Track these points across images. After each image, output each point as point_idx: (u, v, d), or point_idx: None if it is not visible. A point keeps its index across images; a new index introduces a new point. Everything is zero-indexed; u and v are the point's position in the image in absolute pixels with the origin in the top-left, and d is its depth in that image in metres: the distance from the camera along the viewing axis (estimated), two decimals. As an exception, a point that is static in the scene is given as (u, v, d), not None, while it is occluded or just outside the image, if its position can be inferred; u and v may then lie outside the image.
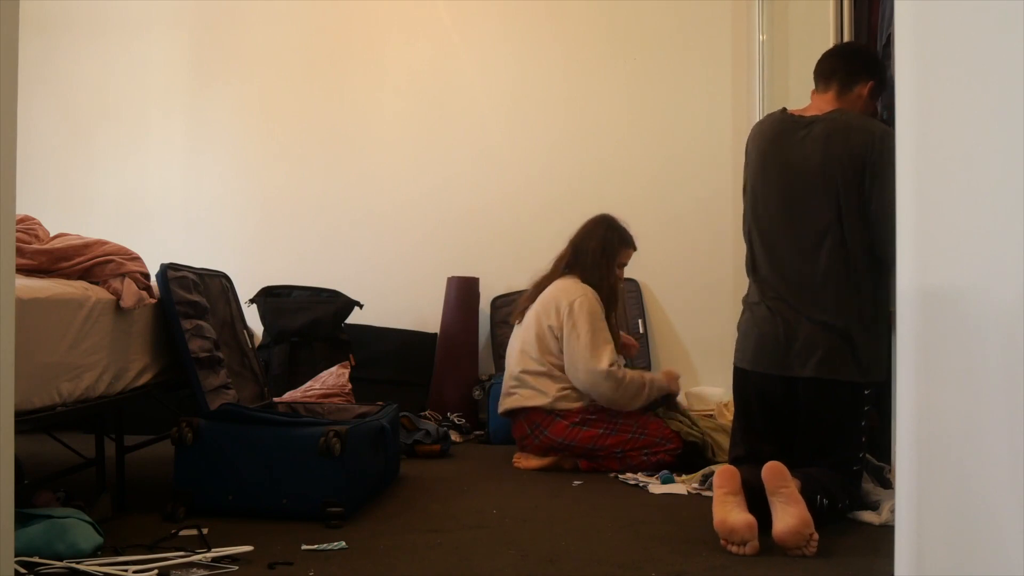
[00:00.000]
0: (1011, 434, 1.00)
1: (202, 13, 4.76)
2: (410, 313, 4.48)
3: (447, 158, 4.59)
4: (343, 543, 2.20)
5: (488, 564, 2.08)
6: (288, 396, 3.51)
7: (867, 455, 2.58)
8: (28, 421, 2.05)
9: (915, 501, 1.36)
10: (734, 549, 2.16)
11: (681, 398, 3.57)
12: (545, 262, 3.50)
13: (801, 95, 2.83)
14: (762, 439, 2.56)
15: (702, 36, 4.44)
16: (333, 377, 3.61)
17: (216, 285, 3.06)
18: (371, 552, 2.16)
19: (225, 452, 2.47)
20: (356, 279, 4.39)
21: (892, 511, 2.12)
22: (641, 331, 4.32)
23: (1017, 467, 0.98)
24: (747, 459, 2.49)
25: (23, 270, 2.32)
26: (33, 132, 4.66)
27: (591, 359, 3.20)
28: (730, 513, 2.18)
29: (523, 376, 3.33)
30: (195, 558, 2.05)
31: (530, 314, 3.39)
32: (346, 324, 4.16)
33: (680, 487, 2.92)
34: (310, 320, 4.04)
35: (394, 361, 4.29)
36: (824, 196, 2.46)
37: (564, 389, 3.26)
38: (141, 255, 2.61)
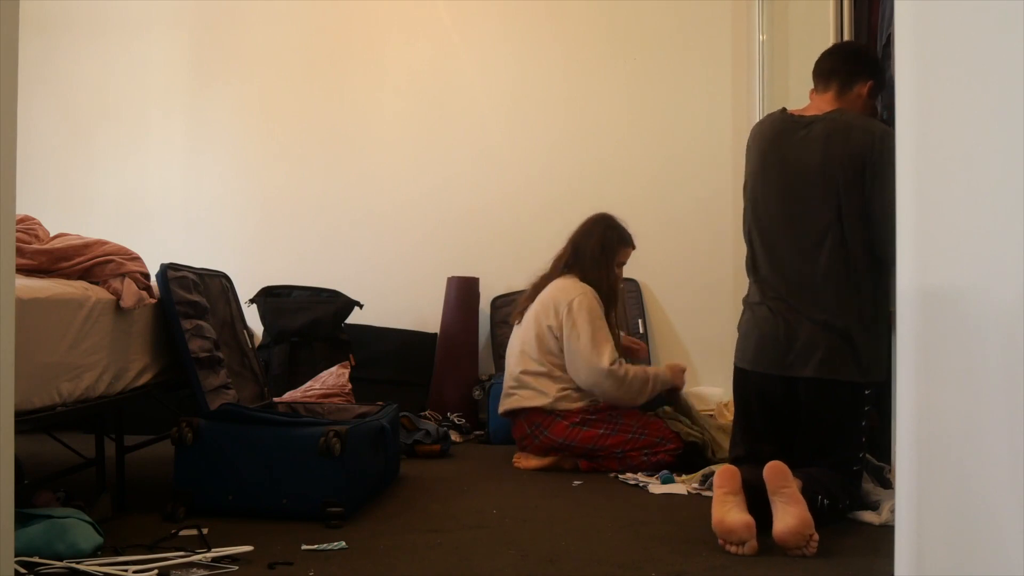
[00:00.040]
0: (1011, 434, 1.00)
1: (202, 13, 4.76)
2: (410, 313, 4.48)
3: (447, 158, 4.59)
4: (343, 543, 2.20)
5: (488, 564, 2.08)
6: (288, 396, 3.51)
7: (867, 455, 2.58)
8: (28, 421, 2.05)
9: (915, 501, 1.36)
10: (732, 549, 2.16)
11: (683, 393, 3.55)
12: (545, 262, 3.50)
13: (801, 95, 2.83)
14: (762, 439, 2.56)
15: (702, 36, 4.44)
16: (333, 377, 3.61)
17: (216, 285, 3.06)
18: (371, 552, 2.16)
19: (225, 452, 2.47)
20: (356, 279, 4.39)
21: (892, 511, 2.12)
22: (641, 331, 4.32)
23: (1017, 467, 0.98)
24: (747, 459, 2.49)
25: (23, 270, 2.32)
26: (33, 132, 4.66)
27: (592, 358, 3.20)
28: (728, 513, 2.18)
29: (523, 377, 3.33)
30: (195, 558, 2.05)
31: (529, 314, 3.39)
32: (346, 324, 4.16)
33: (680, 487, 2.92)
34: (310, 320, 4.04)
35: (394, 361, 4.29)
36: (824, 196, 2.45)
37: (564, 389, 3.26)
38: (141, 255, 2.61)
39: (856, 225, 2.43)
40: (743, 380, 2.62)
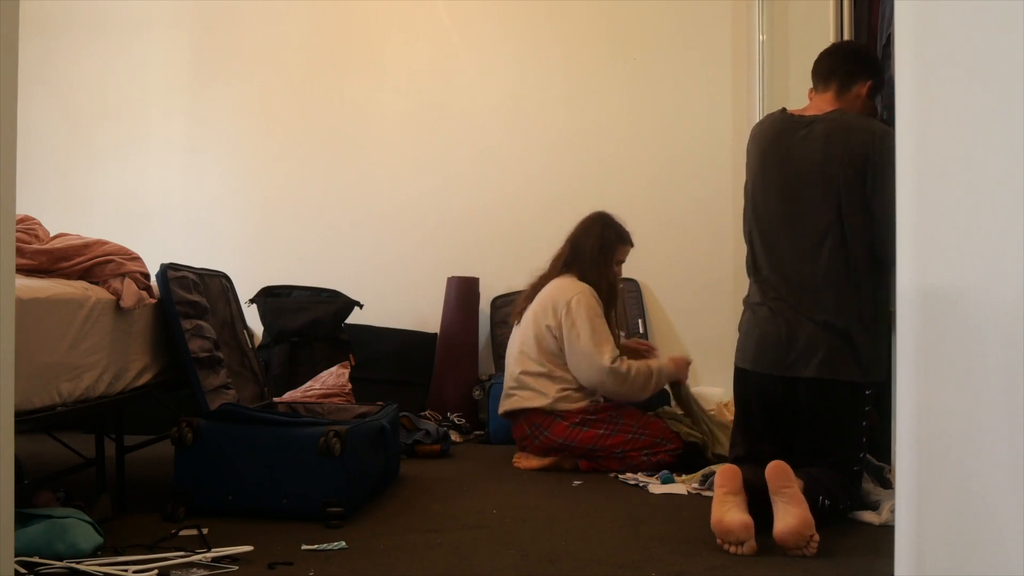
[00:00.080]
0: (1011, 434, 1.00)
1: (202, 13, 4.76)
2: (410, 313, 4.48)
3: (447, 158, 4.59)
4: (343, 543, 2.20)
5: (488, 564, 2.08)
6: (288, 396, 3.51)
7: (867, 455, 2.58)
8: (28, 421, 2.05)
9: (915, 501, 1.36)
10: (731, 549, 2.16)
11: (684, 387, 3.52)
12: (544, 262, 3.50)
13: (801, 95, 2.83)
14: (762, 439, 2.56)
15: (702, 36, 4.44)
16: (333, 377, 3.61)
17: (216, 285, 3.06)
18: (371, 552, 2.16)
19: (225, 452, 2.47)
20: (356, 279, 4.39)
21: (892, 511, 2.12)
22: (641, 331, 4.32)
23: (1017, 467, 0.98)
24: (747, 459, 2.49)
25: (23, 270, 2.32)
26: (33, 132, 4.66)
27: (594, 356, 3.19)
28: (727, 513, 2.18)
29: (522, 377, 3.32)
30: (195, 558, 2.05)
31: (528, 314, 3.39)
32: (346, 324, 4.16)
33: (680, 487, 2.92)
34: (310, 320, 4.04)
35: (394, 361, 4.29)
36: (824, 196, 2.45)
37: (564, 390, 3.26)
38: (141, 255, 2.61)
39: (856, 225, 2.43)
40: (743, 380, 2.62)
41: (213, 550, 2.10)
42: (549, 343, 3.29)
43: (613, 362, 3.19)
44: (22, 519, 2.04)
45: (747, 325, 2.62)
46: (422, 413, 3.88)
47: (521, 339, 3.39)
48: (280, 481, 2.44)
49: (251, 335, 3.29)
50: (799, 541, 2.13)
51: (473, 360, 4.33)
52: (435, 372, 4.30)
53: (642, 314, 4.38)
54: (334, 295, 4.18)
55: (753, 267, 2.63)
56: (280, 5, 4.69)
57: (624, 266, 3.51)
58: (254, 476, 2.45)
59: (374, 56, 4.66)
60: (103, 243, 2.51)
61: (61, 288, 2.26)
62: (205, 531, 2.26)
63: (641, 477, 3.06)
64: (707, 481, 2.87)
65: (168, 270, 2.71)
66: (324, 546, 2.18)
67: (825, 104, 2.58)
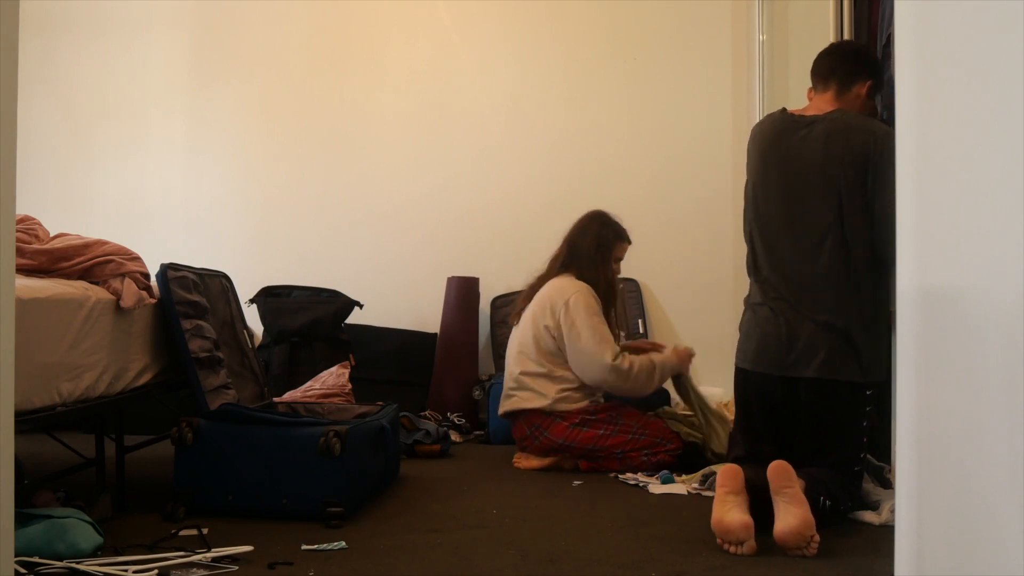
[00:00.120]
0: (1011, 434, 1.00)
1: (202, 13, 4.76)
2: (410, 313, 4.48)
3: (447, 158, 4.59)
4: (343, 543, 2.20)
5: (488, 564, 2.08)
6: (288, 396, 3.51)
7: (868, 455, 2.58)
8: (28, 421, 2.05)
9: (915, 501, 1.36)
10: (731, 549, 2.16)
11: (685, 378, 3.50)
12: (544, 262, 3.50)
13: (801, 95, 2.83)
14: (762, 439, 2.56)
15: (702, 36, 4.44)
16: (333, 377, 3.61)
17: (216, 285, 3.06)
18: (371, 552, 2.16)
19: (225, 452, 2.47)
20: (356, 279, 4.39)
21: (892, 511, 2.12)
22: (641, 331, 4.32)
23: (1017, 467, 0.98)
24: (747, 459, 2.49)
25: (23, 270, 2.32)
26: (33, 132, 4.66)
27: (595, 355, 3.19)
28: (728, 513, 2.18)
29: (522, 378, 3.32)
30: (195, 558, 2.05)
31: (527, 315, 3.39)
32: (346, 324, 4.16)
33: (680, 487, 2.92)
34: (310, 320, 4.04)
35: (394, 361, 4.29)
36: (825, 196, 2.45)
37: (564, 391, 3.26)
38: (141, 255, 2.61)
39: (857, 225, 2.43)
40: (744, 380, 2.62)
41: (213, 550, 2.10)
42: (548, 343, 3.29)
43: (615, 359, 3.19)
44: (22, 519, 2.04)
45: (748, 325, 2.62)
46: (422, 413, 3.88)
47: (520, 340, 3.39)
48: (280, 481, 2.44)
49: (251, 335, 3.29)
50: (799, 541, 2.13)
51: (473, 360, 4.33)
52: (435, 372, 4.30)
53: (642, 314, 4.38)
54: (334, 295, 4.18)
55: (753, 267, 2.63)
56: (280, 5, 4.69)
57: (624, 266, 3.51)
58: (254, 476, 2.45)
59: (374, 56, 4.66)
60: (103, 243, 2.51)
61: (61, 288, 2.26)
62: (205, 531, 2.26)
63: (641, 477, 3.06)
64: (707, 481, 2.87)
65: (168, 270, 2.71)
66: (324, 546, 2.18)
67: (825, 104, 2.58)
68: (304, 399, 3.43)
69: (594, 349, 3.19)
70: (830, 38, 3.35)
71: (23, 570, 1.91)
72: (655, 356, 3.32)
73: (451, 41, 4.60)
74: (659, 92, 4.47)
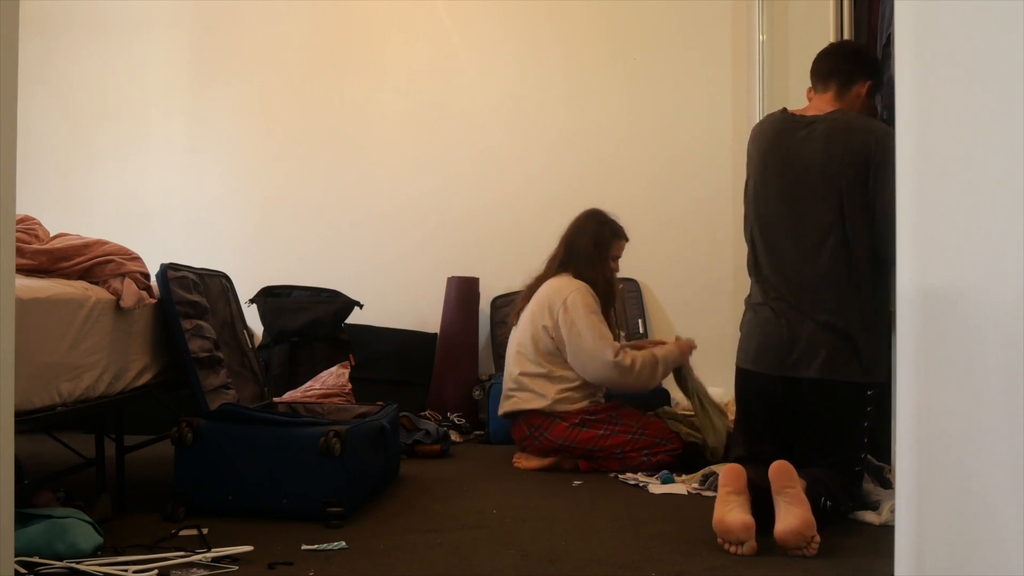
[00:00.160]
0: (1011, 434, 1.00)
1: (202, 13, 4.76)
2: (410, 313, 4.48)
3: (447, 158, 4.59)
4: (343, 543, 2.20)
5: (488, 564, 2.08)
6: (288, 396, 3.51)
7: (868, 455, 2.58)
8: (28, 421, 2.05)
9: (915, 501, 1.36)
10: (731, 549, 2.16)
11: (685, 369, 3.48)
12: (543, 263, 3.49)
13: (801, 95, 2.83)
14: (762, 439, 2.56)
15: (702, 36, 4.44)
16: (333, 377, 3.61)
17: (216, 285, 3.06)
18: (371, 552, 2.16)
19: (225, 452, 2.47)
20: (356, 279, 4.39)
21: (892, 511, 2.12)
22: (641, 331, 4.32)
23: (1017, 467, 0.98)
24: (747, 459, 2.48)
25: (23, 270, 2.32)
26: (33, 132, 4.66)
27: (597, 353, 3.19)
28: (729, 513, 2.18)
29: (521, 379, 3.32)
30: (195, 558, 2.05)
31: (525, 315, 3.39)
32: (346, 324, 4.16)
33: (680, 487, 2.92)
34: (310, 320, 4.04)
35: (394, 361, 4.29)
36: (826, 196, 2.45)
37: (563, 391, 3.26)
38: (141, 255, 2.61)
39: (858, 225, 2.43)
40: (745, 380, 2.62)
41: (213, 550, 2.10)
42: (546, 343, 3.29)
43: (616, 356, 3.19)
44: (22, 519, 2.04)
45: (748, 325, 2.62)
46: (422, 413, 3.88)
47: (518, 340, 3.38)
48: (280, 481, 2.44)
49: (251, 335, 3.29)
50: (800, 542, 2.13)
51: (473, 360, 4.33)
52: (435, 372, 4.30)
53: (642, 314, 4.38)
54: (334, 295, 4.18)
55: (754, 267, 2.63)
56: (280, 5, 4.69)
57: (624, 266, 3.51)
58: (254, 476, 2.45)
59: (374, 56, 4.66)
60: (103, 243, 2.51)
61: (61, 288, 2.26)
62: (205, 531, 2.26)
63: (641, 477, 3.06)
64: (707, 481, 2.87)
65: (168, 270, 2.71)
66: (324, 546, 2.18)
67: (826, 104, 2.58)
68: (304, 399, 3.43)
69: (595, 347, 3.19)
70: (830, 38, 3.35)
71: (23, 570, 1.91)
72: (657, 350, 3.32)
73: (451, 41, 4.60)
74: (659, 92, 4.47)
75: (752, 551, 2.14)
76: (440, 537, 2.30)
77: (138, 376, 2.57)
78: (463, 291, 4.36)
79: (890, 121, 2.36)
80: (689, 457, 3.17)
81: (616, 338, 3.34)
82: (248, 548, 2.14)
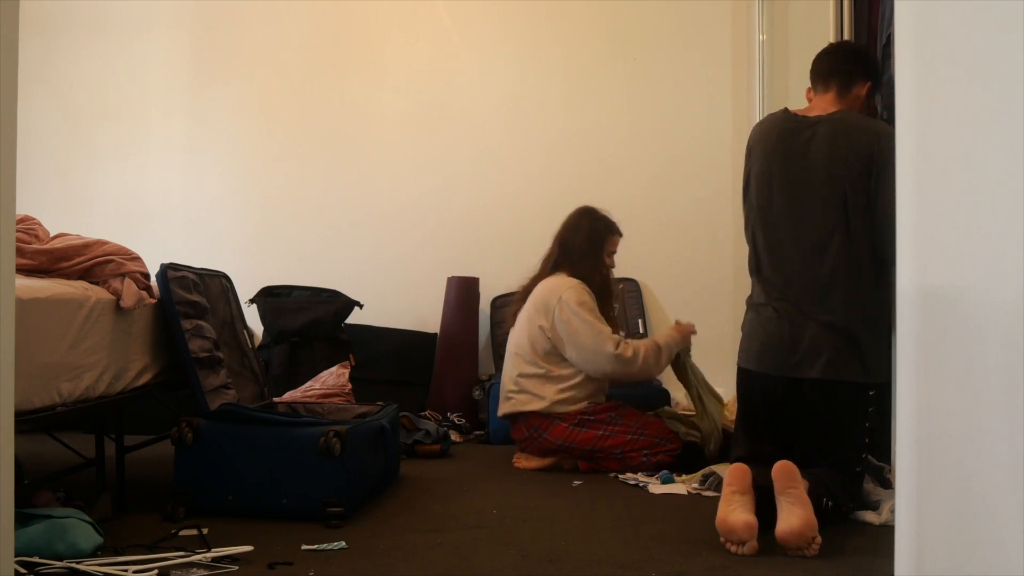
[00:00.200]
0: (1011, 434, 1.00)
1: (202, 13, 4.76)
2: (410, 313, 4.48)
3: (447, 158, 4.59)
4: (343, 543, 2.20)
5: (488, 564, 2.08)
6: (288, 396, 3.51)
7: (869, 456, 2.58)
8: (28, 421, 2.05)
9: (915, 501, 1.36)
10: (733, 548, 2.16)
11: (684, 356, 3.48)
12: (538, 263, 3.49)
13: (801, 95, 2.83)
14: (763, 439, 2.56)
15: (702, 36, 4.44)
16: (333, 377, 3.61)
17: (216, 285, 3.06)
18: (371, 552, 2.16)
19: (225, 452, 2.47)
20: (356, 279, 4.39)
21: (892, 511, 2.12)
22: (641, 331, 4.31)
23: (1017, 467, 0.98)
24: (748, 459, 2.48)
25: (23, 270, 2.32)
26: (33, 132, 4.66)
27: (597, 348, 3.18)
28: (732, 512, 2.18)
29: (519, 380, 3.32)
30: (195, 558, 2.05)
31: (521, 316, 3.39)
32: (346, 324, 4.16)
33: (680, 487, 2.92)
34: (310, 320, 4.04)
35: (394, 361, 4.29)
36: (829, 197, 2.45)
37: (562, 392, 3.25)
38: (141, 255, 2.61)
39: (860, 226, 2.42)
40: (747, 380, 2.62)
41: (213, 550, 2.10)
42: (543, 344, 3.28)
43: (617, 348, 3.19)
44: (22, 519, 2.04)
45: (750, 325, 2.62)
46: (422, 413, 3.88)
47: (516, 341, 3.38)
48: (280, 481, 2.44)
49: (251, 335, 3.29)
50: (801, 542, 2.13)
51: (473, 360, 4.33)
52: (435, 372, 4.30)
53: (642, 314, 4.38)
54: (334, 295, 4.18)
55: (756, 267, 2.62)
56: (280, 5, 4.69)
57: (624, 266, 3.51)
58: (254, 476, 2.45)
59: (374, 56, 4.66)
60: (103, 243, 2.51)
61: (61, 288, 2.26)
62: (205, 531, 2.26)
63: (641, 477, 3.06)
64: (707, 481, 2.87)
65: (168, 270, 2.71)
66: (324, 546, 2.18)
67: (828, 105, 2.58)
68: (304, 399, 3.43)
69: (594, 343, 3.19)
70: (830, 38, 3.35)
71: (23, 570, 1.91)
72: (658, 337, 3.34)
73: (451, 41, 4.60)
74: (659, 92, 4.47)
75: (753, 551, 2.14)
76: (440, 537, 2.30)
77: (138, 376, 2.57)
78: (463, 291, 4.36)
79: (890, 121, 2.36)
80: (689, 457, 3.17)
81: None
82: (248, 548, 2.14)
